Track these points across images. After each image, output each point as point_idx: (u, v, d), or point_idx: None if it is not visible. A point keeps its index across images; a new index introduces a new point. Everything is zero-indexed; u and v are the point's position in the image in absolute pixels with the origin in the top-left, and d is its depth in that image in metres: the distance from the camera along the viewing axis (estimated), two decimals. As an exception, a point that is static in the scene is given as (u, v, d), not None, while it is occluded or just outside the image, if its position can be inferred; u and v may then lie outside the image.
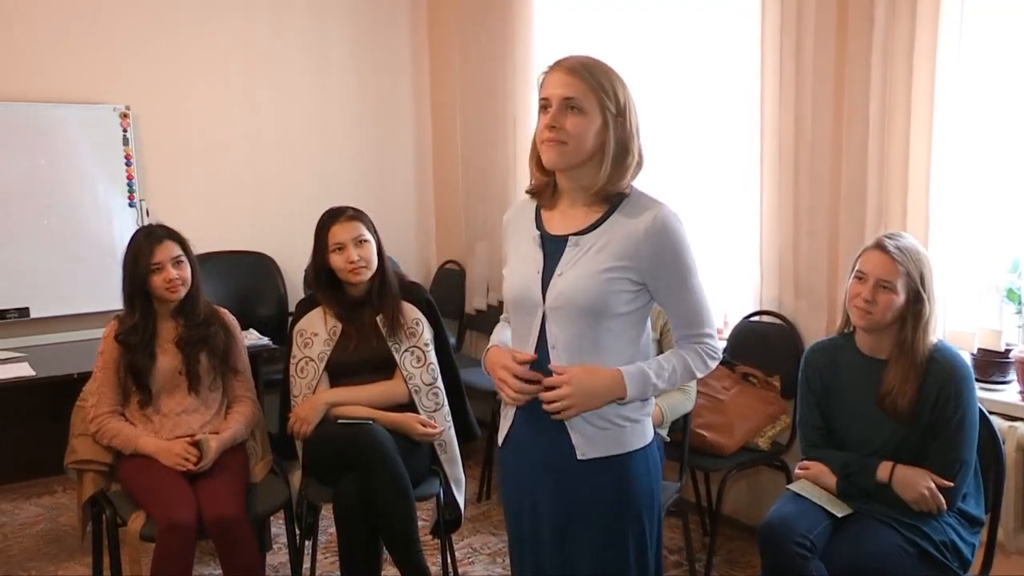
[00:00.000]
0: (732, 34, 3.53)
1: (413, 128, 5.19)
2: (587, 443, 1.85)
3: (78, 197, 4.25)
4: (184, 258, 2.91)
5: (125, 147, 4.32)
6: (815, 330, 3.20)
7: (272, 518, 3.20)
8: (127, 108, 4.32)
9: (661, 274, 1.84)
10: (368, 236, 2.96)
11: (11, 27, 4.12)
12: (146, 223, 4.12)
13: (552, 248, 1.89)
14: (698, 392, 3.05)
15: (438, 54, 5.09)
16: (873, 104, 2.90)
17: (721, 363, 3.32)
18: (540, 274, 1.88)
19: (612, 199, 1.87)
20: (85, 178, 4.26)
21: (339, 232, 2.93)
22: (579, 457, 1.86)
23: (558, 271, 1.86)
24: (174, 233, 2.93)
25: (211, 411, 2.94)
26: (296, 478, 2.99)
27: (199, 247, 3.06)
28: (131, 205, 4.35)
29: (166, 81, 4.47)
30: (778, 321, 3.39)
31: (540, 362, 1.88)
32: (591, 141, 1.82)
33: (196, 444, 2.78)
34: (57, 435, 3.14)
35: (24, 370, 3.41)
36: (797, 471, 2.57)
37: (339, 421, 2.88)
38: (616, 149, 1.84)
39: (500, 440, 2.02)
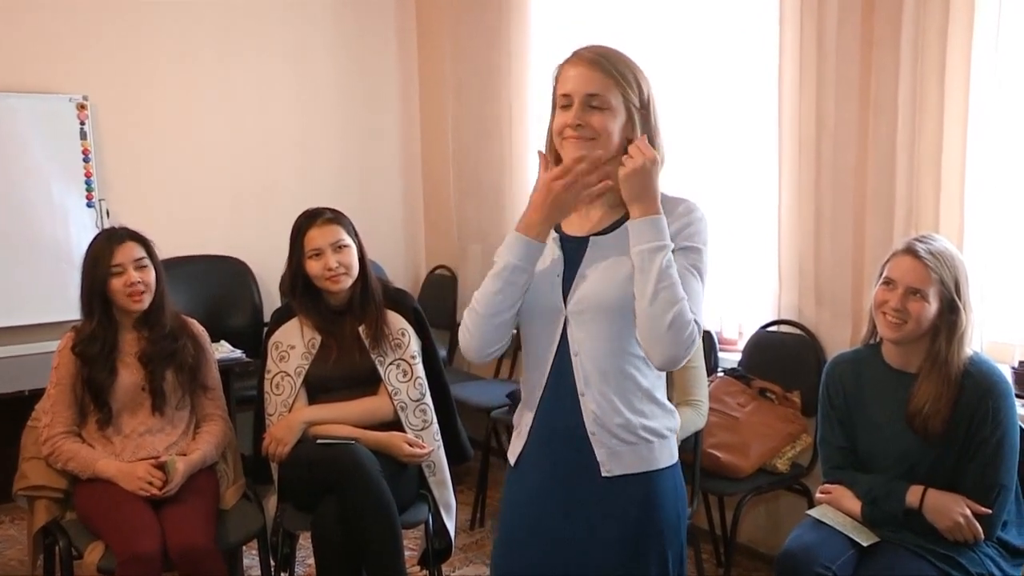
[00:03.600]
0: (748, 16, 3.53)
1: (400, 123, 5.19)
2: (612, 459, 1.86)
3: (30, 196, 4.22)
4: (148, 262, 2.90)
5: (83, 141, 4.30)
6: (838, 341, 3.20)
7: (245, 548, 3.18)
8: (84, 99, 4.31)
9: (678, 254, 1.84)
10: (348, 240, 2.95)
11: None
12: (106, 225, 4.12)
13: (572, 249, 1.91)
14: (711, 409, 3.05)
15: (427, 44, 5.10)
16: (902, 93, 2.90)
17: (736, 377, 3.39)
18: (561, 276, 1.90)
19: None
20: (38, 175, 4.23)
21: (316, 236, 2.92)
22: (604, 474, 1.86)
23: (580, 273, 1.88)
24: (137, 235, 2.92)
25: (178, 431, 2.93)
26: (271, 504, 2.98)
27: (166, 251, 3.05)
28: (89, 205, 4.33)
29: (129, 69, 4.45)
30: (798, 331, 3.39)
31: (562, 373, 1.88)
32: (617, 137, 1.85)
33: (161, 466, 2.77)
34: (5, 459, 3.12)
35: (-31, 386, 3.40)
36: (818, 495, 2.57)
37: (318, 441, 2.87)
38: (622, 148, 1.86)
39: (512, 459, 2.00)
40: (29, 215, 4.23)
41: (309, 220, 2.96)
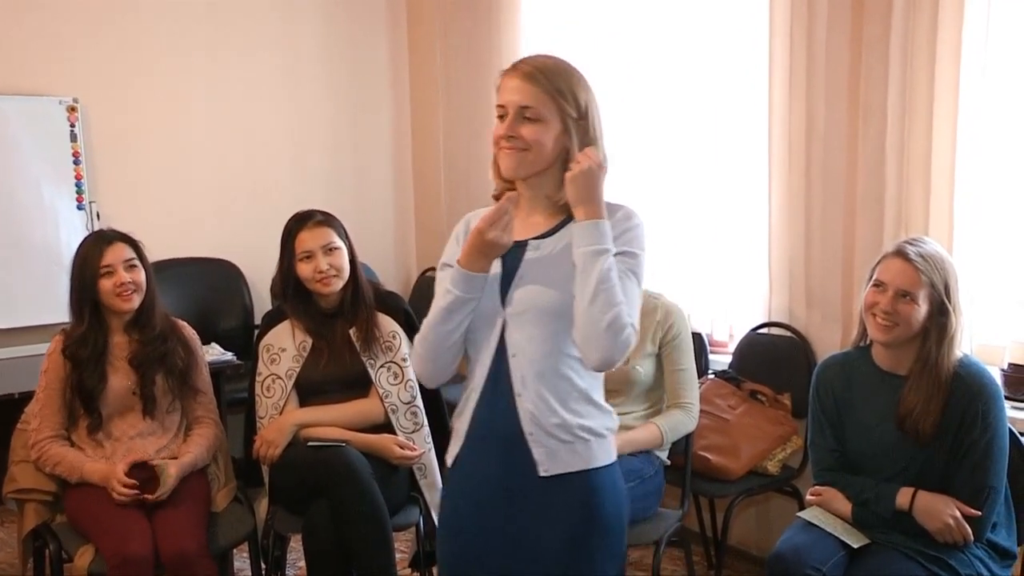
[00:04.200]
0: (737, 19, 3.53)
1: (392, 125, 5.16)
2: (549, 458, 1.88)
3: (20, 198, 4.19)
4: (137, 262, 2.88)
5: (73, 143, 4.27)
6: (828, 343, 3.20)
7: (235, 550, 3.17)
8: (75, 101, 4.27)
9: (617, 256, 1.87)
10: (339, 243, 2.95)
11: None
12: (97, 227, 4.10)
13: (511, 254, 1.93)
14: (701, 411, 3.05)
15: (419, 46, 5.08)
16: (892, 96, 2.90)
17: (727, 379, 3.39)
18: (499, 280, 1.92)
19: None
20: (27, 178, 4.20)
21: (307, 239, 2.92)
22: (541, 473, 1.88)
23: (518, 276, 1.91)
24: (126, 236, 2.91)
25: (169, 434, 2.91)
26: (262, 507, 2.97)
27: (156, 253, 3.03)
28: (79, 207, 4.30)
29: (119, 72, 4.42)
30: (788, 334, 3.39)
31: (500, 375, 1.91)
32: (551, 148, 1.88)
33: (153, 470, 2.74)
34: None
35: (-41, 389, 3.38)
36: (809, 497, 2.57)
37: (309, 444, 2.86)
38: (568, 153, 1.89)
39: (450, 460, 2.03)
40: (19, 217, 4.19)
41: (300, 222, 2.95)
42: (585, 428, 1.89)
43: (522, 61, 1.91)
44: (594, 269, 1.79)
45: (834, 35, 3.07)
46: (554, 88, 1.86)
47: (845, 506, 2.44)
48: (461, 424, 1.99)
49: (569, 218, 1.90)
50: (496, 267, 1.92)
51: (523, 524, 1.91)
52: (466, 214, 2.06)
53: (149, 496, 2.71)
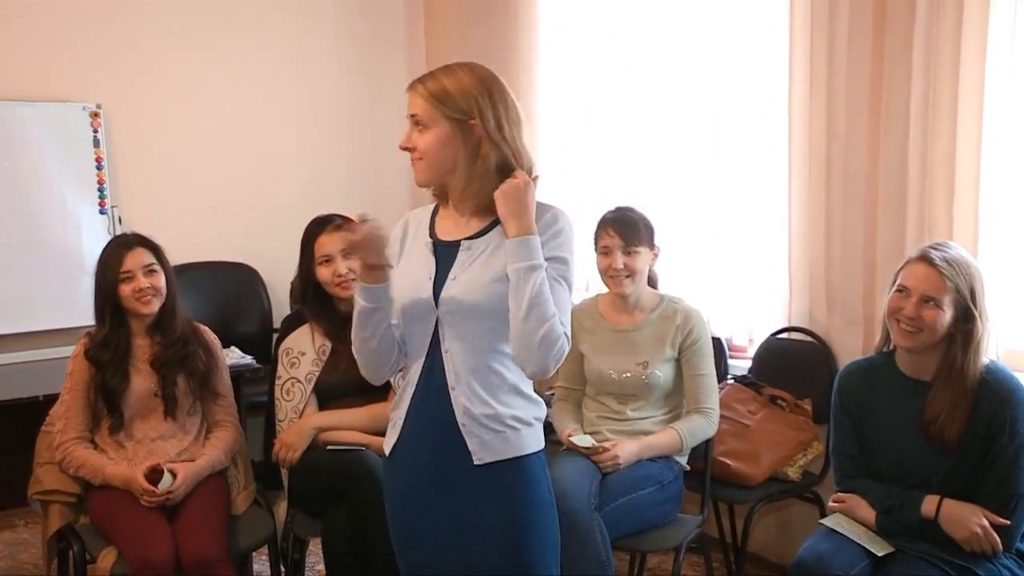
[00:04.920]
0: (757, 22, 3.50)
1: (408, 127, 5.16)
2: (483, 448, 1.95)
3: (43, 204, 4.22)
4: (158, 267, 2.89)
5: (96, 149, 4.29)
6: (850, 348, 3.17)
7: (255, 554, 3.17)
8: (98, 107, 4.30)
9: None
10: (358, 248, 2.94)
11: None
12: (119, 231, 4.11)
13: (444, 254, 2.01)
14: (721, 416, 3.03)
15: (436, 50, 5.06)
16: (915, 101, 2.87)
17: (746, 384, 3.36)
18: (432, 280, 1.99)
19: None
20: (51, 183, 4.23)
21: (326, 243, 2.92)
22: (476, 462, 1.95)
23: (451, 276, 1.98)
24: (147, 240, 2.92)
25: (189, 436, 2.92)
26: (281, 510, 2.97)
27: (176, 258, 3.04)
28: (102, 212, 4.32)
29: (141, 78, 4.44)
30: (809, 339, 3.36)
31: (434, 369, 1.98)
32: (442, 152, 1.95)
33: (157, 476, 2.74)
34: (18, 464, 3.11)
35: (-15, 392, 3.40)
36: (831, 504, 2.54)
37: (328, 447, 2.86)
38: (469, 156, 1.94)
39: (388, 449, 2.09)
40: (42, 222, 4.22)
41: (319, 226, 2.96)
42: (516, 418, 1.97)
43: (420, 76, 1.99)
44: (527, 286, 1.86)
45: (855, 38, 3.05)
46: (432, 93, 1.93)
47: (868, 513, 2.41)
48: (397, 415, 2.05)
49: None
50: (430, 266, 2.00)
51: (460, 510, 1.98)
52: (406, 214, 2.15)
53: (166, 499, 2.71)
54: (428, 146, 1.94)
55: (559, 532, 2.06)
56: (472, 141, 1.93)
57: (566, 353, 1.91)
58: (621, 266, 2.93)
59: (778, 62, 3.34)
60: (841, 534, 2.41)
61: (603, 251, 2.98)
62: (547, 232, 1.93)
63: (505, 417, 1.96)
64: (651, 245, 2.99)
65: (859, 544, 2.37)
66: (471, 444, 1.95)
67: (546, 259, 1.90)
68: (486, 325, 1.94)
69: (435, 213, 2.09)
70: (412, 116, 1.95)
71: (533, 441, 2.00)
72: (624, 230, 2.94)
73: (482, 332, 1.94)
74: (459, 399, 1.96)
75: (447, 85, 1.93)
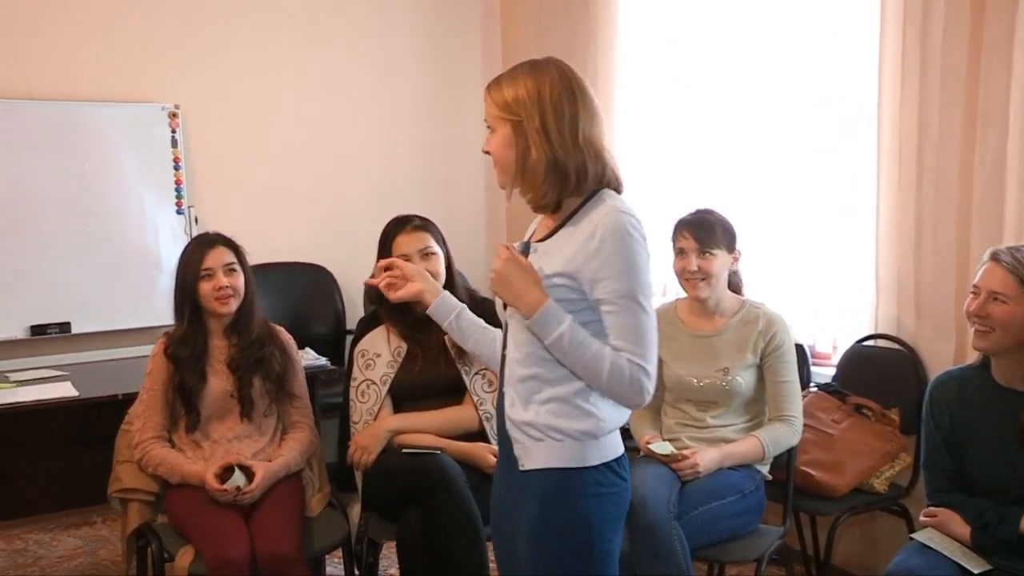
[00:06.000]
0: (845, 18, 3.45)
1: (484, 135, 5.17)
2: (525, 453, 1.99)
3: (122, 203, 4.33)
4: (238, 267, 2.94)
5: (174, 149, 4.39)
6: (941, 357, 3.11)
7: (328, 556, 3.20)
8: (176, 107, 4.40)
9: (600, 285, 1.90)
10: (436, 248, 2.96)
11: (51, 21, 4.22)
12: (195, 232, 4.21)
13: (525, 256, 2.04)
14: (804, 425, 2.98)
15: (512, 52, 5.07)
16: (1015, 99, 2.79)
17: (830, 392, 3.31)
18: None
19: (563, 205, 1.98)
20: (129, 183, 4.34)
21: (404, 243, 2.94)
22: (520, 468, 1.99)
23: None
24: (228, 240, 2.98)
25: (265, 438, 2.97)
26: (356, 512, 2.99)
27: (251, 258, 3.08)
28: (179, 212, 4.42)
29: (217, 77, 4.54)
30: (896, 346, 3.29)
31: (502, 371, 2.06)
32: (507, 154, 1.97)
33: (230, 471, 2.79)
34: (97, 461, 3.19)
35: (67, 390, 3.49)
36: (923, 519, 2.50)
37: (403, 450, 2.88)
38: (520, 158, 1.94)
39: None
40: (120, 222, 4.33)
41: (398, 226, 2.98)
42: (555, 429, 1.95)
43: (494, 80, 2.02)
44: (564, 355, 1.90)
45: (951, 34, 2.97)
46: (496, 96, 1.96)
47: (963, 529, 2.36)
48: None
49: (568, 217, 1.97)
50: None
51: (507, 513, 2.06)
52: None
53: (245, 495, 2.76)
54: (495, 149, 1.98)
55: (593, 559, 1.98)
56: (524, 143, 1.94)
57: (645, 382, 1.90)
58: (695, 268, 2.91)
59: (867, 55, 3.27)
60: (934, 550, 2.37)
61: (679, 253, 2.96)
62: (589, 265, 1.89)
63: (543, 426, 1.96)
64: (729, 249, 2.96)
65: (953, 561, 2.33)
66: (516, 449, 2.00)
67: (594, 287, 1.89)
68: (530, 332, 1.95)
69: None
70: (485, 120, 2.00)
71: (576, 456, 1.95)
72: (699, 232, 2.92)
73: (528, 338, 1.96)
74: (508, 403, 2.02)
75: (505, 86, 1.96)
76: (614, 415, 1.98)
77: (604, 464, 1.97)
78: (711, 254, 2.91)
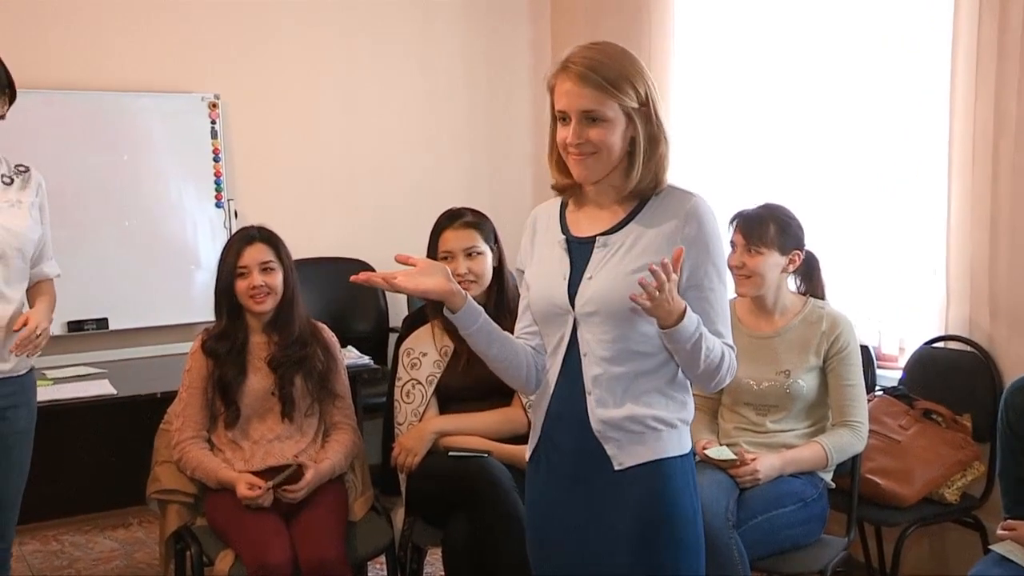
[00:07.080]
0: (916, 3, 3.39)
1: (531, 123, 5.13)
2: (622, 451, 1.95)
3: (161, 196, 4.33)
4: (276, 265, 2.92)
5: (213, 140, 4.39)
6: (1016, 360, 3.05)
7: (371, 562, 3.19)
8: (216, 97, 4.40)
9: (700, 270, 1.92)
10: (483, 248, 2.92)
11: (92, 9, 4.24)
12: (234, 225, 4.21)
13: (579, 251, 1.99)
14: (870, 431, 2.92)
15: (562, 39, 5.03)
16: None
17: (897, 397, 3.24)
18: (567, 279, 1.98)
19: (643, 195, 1.96)
20: (168, 176, 4.34)
21: (450, 239, 2.91)
22: (616, 468, 1.95)
23: (587, 275, 1.96)
24: (269, 236, 2.95)
25: (307, 438, 2.95)
26: (399, 517, 2.98)
27: (291, 252, 3.07)
28: (218, 205, 4.42)
29: (257, 68, 4.54)
30: (969, 349, 3.22)
31: (572, 371, 1.97)
32: (619, 145, 1.91)
33: (290, 470, 2.77)
34: (134, 461, 3.20)
35: (105, 387, 3.50)
36: (1000, 531, 2.42)
37: (449, 453, 2.85)
38: (647, 144, 1.92)
39: (528, 452, 2.11)
40: (158, 216, 4.33)
41: (449, 220, 2.95)
42: (657, 419, 1.95)
43: (571, 58, 1.90)
44: (695, 356, 1.88)
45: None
46: (611, 84, 1.87)
47: (1045, 543, 2.29)
48: (536, 418, 2.07)
49: (639, 207, 1.95)
50: (564, 266, 1.99)
51: (597, 515, 1.98)
52: (533, 211, 2.14)
53: (291, 494, 2.74)
54: (606, 140, 1.88)
55: (700, 554, 2.02)
56: (643, 133, 1.90)
57: (736, 365, 1.97)
58: (739, 264, 2.85)
59: (940, 46, 3.22)
60: (1015, 563, 2.30)
61: (731, 246, 2.91)
62: (691, 240, 1.91)
63: (645, 418, 1.94)
64: (783, 249, 2.87)
65: (1037, 576, 2.26)
66: (609, 449, 1.95)
67: (697, 270, 1.91)
68: (626, 326, 1.92)
69: (564, 207, 2.07)
70: (585, 112, 1.87)
71: (676, 444, 1.98)
72: (748, 228, 2.87)
73: (620, 334, 1.93)
74: (595, 404, 1.95)
75: (619, 71, 1.87)
76: (691, 401, 2.03)
77: (692, 452, 2.03)
78: (758, 252, 2.85)
